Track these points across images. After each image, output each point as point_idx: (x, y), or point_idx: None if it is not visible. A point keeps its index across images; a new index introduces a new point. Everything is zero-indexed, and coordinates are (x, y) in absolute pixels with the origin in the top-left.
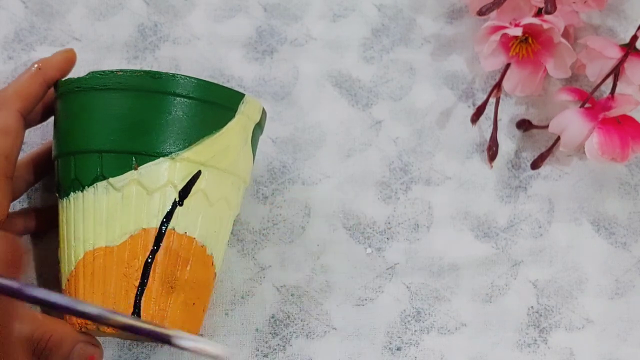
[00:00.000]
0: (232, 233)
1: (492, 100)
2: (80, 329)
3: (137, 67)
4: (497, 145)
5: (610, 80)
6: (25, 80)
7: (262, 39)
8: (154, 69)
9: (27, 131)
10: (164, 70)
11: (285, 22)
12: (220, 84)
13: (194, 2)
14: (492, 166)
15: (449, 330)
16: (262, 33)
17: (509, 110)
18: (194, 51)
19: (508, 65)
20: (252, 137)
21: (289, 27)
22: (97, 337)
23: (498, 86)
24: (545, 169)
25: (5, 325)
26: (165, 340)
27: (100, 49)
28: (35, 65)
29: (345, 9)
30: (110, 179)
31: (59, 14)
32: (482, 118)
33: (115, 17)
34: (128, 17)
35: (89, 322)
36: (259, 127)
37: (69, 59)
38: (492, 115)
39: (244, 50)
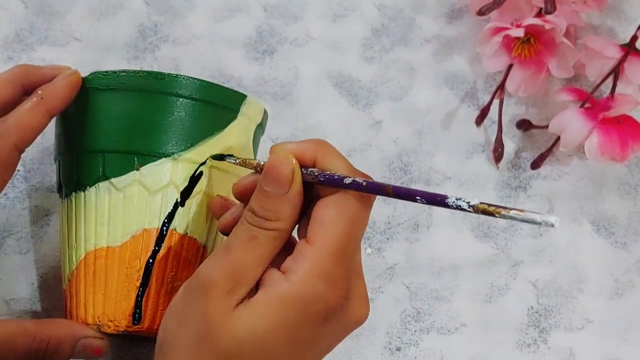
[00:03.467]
0: None
1: (495, 100)
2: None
3: (137, 68)
4: (502, 147)
5: (610, 80)
6: (26, 112)
7: (262, 39)
8: (154, 69)
9: None
10: (164, 71)
11: (285, 22)
12: (220, 84)
13: (194, 2)
14: (498, 167)
15: (448, 331)
16: (262, 33)
17: (509, 110)
18: (194, 51)
19: (510, 66)
20: (253, 138)
21: (289, 27)
22: None
23: (501, 87)
24: (545, 169)
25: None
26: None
27: (100, 49)
28: (39, 93)
29: (345, 9)
30: (112, 179)
31: (59, 14)
32: None
33: (115, 17)
34: (128, 17)
35: (89, 322)
36: (260, 128)
37: (73, 84)
38: (492, 116)
39: (244, 50)
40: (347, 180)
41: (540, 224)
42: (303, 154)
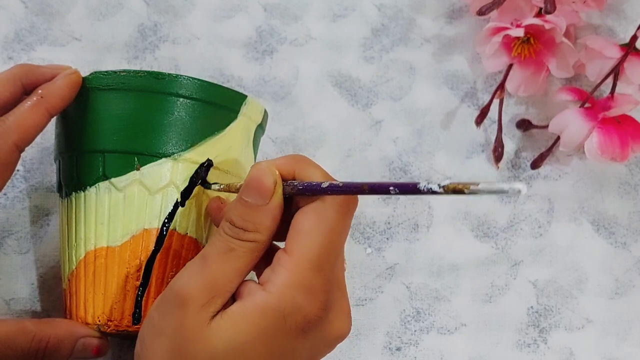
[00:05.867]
0: None
1: (495, 100)
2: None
3: (137, 67)
4: (502, 147)
5: (610, 80)
6: (26, 111)
7: (262, 39)
8: (154, 69)
9: None
10: (164, 70)
11: (285, 22)
12: (220, 84)
13: (194, 2)
14: (498, 167)
15: (448, 330)
16: (262, 33)
17: (509, 110)
18: (194, 51)
19: (510, 66)
20: (253, 138)
21: (289, 27)
22: None
23: (501, 87)
24: (545, 168)
25: None
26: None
27: (100, 49)
28: (39, 92)
29: (345, 8)
30: (113, 179)
31: (59, 14)
32: None
33: (115, 17)
34: (128, 17)
35: (89, 322)
36: (260, 128)
37: (73, 84)
38: (492, 116)
39: (244, 50)
40: (324, 185)
41: (507, 192)
42: (281, 168)
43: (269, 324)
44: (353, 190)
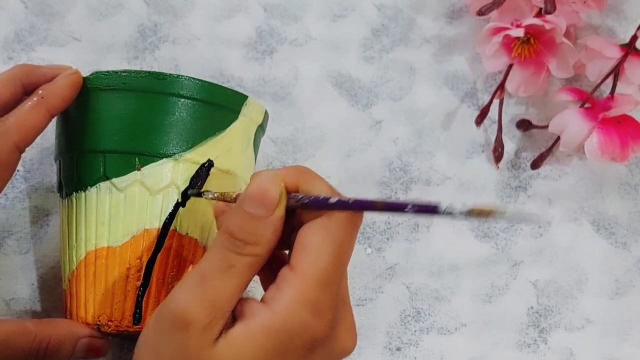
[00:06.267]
0: None
1: (495, 100)
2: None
3: (137, 68)
4: (502, 147)
5: (610, 80)
6: (27, 111)
7: (262, 39)
8: (154, 69)
9: None
10: (164, 71)
11: (285, 22)
12: (220, 84)
13: (194, 2)
14: (498, 167)
15: (448, 331)
16: (262, 33)
17: (509, 110)
18: (194, 51)
19: (510, 66)
20: (254, 138)
21: (289, 27)
22: None
23: (501, 87)
24: (545, 169)
25: None
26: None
27: (100, 49)
28: (40, 92)
29: (345, 9)
30: (113, 180)
31: (59, 14)
32: None
33: (115, 17)
34: (128, 17)
35: (89, 322)
36: (261, 129)
37: (74, 84)
38: (492, 116)
39: (244, 50)
40: (332, 200)
41: (536, 221)
42: (286, 179)
43: (275, 345)
44: (364, 207)
